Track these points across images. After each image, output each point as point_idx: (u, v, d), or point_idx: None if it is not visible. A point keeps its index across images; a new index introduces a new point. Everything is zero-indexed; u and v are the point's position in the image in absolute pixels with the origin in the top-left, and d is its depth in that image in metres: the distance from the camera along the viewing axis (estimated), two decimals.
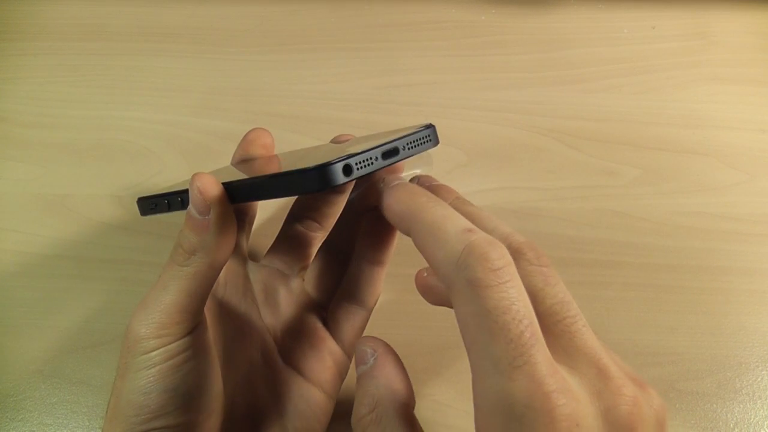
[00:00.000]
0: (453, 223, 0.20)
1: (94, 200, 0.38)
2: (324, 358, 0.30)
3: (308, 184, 0.21)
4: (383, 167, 0.23)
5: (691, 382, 0.33)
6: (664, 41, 0.44)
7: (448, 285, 0.20)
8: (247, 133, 0.31)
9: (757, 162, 0.40)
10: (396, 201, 0.23)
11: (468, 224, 0.20)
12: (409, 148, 0.23)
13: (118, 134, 0.41)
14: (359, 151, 0.21)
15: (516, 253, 0.21)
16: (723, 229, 0.38)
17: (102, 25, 0.45)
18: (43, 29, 0.45)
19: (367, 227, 0.29)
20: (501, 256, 0.19)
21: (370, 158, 0.22)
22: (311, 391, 0.29)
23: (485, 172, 0.39)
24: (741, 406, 0.33)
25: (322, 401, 0.29)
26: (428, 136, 0.24)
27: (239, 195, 0.24)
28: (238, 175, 0.26)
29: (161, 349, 0.23)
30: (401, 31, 0.45)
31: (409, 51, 0.44)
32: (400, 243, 0.29)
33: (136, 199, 0.30)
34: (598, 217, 0.38)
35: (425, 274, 0.24)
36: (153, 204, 0.28)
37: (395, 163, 0.23)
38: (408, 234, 0.22)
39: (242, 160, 0.31)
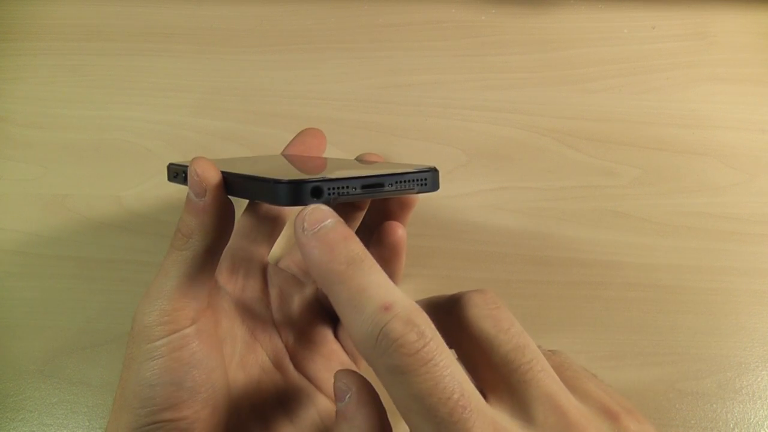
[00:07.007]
0: (370, 299, 0.19)
1: (94, 200, 0.38)
2: (335, 370, 0.30)
3: (277, 197, 0.21)
4: (364, 198, 0.22)
5: (691, 382, 0.33)
6: (664, 41, 0.44)
7: (372, 367, 0.19)
8: (302, 131, 0.33)
9: (757, 162, 0.40)
10: (312, 260, 0.20)
11: (386, 299, 0.19)
12: (396, 186, 0.22)
13: (118, 134, 0.41)
14: (338, 177, 0.21)
15: (466, 304, 0.21)
16: (723, 229, 0.38)
17: (102, 25, 0.45)
18: (43, 29, 0.45)
19: (376, 244, 0.28)
20: (420, 336, 0.18)
21: (346, 186, 0.21)
22: (323, 400, 0.29)
23: (485, 172, 0.39)
24: (741, 406, 0.33)
25: (332, 412, 0.29)
26: (425, 179, 0.23)
27: (228, 188, 0.24)
28: (251, 168, 0.26)
29: (165, 339, 0.23)
30: (401, 31, 0.44)
31: (409, 51, 0.44)
32: None
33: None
34: (598, 217, 0.38)
35: None
36: (175, 173, 0.28)
37: (377, 197, 0.22)
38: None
39: (290, 154, 0.32)
